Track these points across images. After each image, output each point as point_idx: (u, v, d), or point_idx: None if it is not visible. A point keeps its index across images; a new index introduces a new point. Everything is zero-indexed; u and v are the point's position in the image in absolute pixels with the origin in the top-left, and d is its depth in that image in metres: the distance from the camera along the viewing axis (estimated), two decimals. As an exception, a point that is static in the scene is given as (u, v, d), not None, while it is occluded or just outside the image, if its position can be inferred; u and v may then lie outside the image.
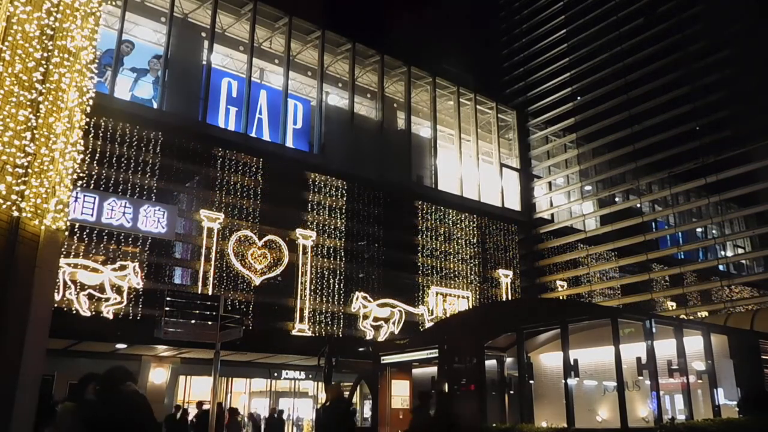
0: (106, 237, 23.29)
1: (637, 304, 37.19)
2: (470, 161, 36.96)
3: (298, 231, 28.60)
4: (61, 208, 6.70)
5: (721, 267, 38.73)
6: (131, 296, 23.21)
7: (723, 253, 39.96)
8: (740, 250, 44.02)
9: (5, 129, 5.91)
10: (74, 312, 21.55)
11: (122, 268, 22.99)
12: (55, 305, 15.90)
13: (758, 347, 16.16)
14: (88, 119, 7.37)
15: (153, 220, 24.15)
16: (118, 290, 22.73)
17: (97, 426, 4.92)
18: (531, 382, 16.27)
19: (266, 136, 29.36)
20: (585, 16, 38.66)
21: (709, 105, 31.97)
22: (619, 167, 37.06)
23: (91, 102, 7.35)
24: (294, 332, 27.23)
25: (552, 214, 40.37)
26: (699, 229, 40.63)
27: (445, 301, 32.70)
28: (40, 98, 6.32)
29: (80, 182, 22.05)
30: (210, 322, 17.19)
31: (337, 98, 33.93)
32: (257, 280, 26.75)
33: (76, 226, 21.91)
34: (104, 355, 21.49)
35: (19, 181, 6.03)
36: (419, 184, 34.51)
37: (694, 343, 14.90)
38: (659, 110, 34.13)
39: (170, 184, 25.80)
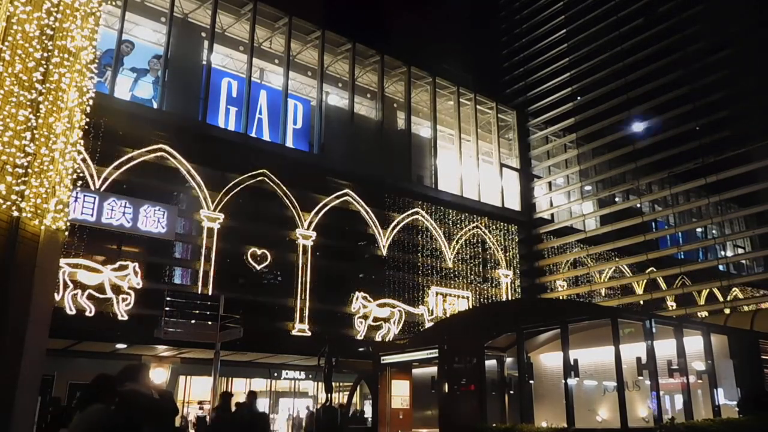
0: (106, 237, 23.28)
1: (637, 304, 37.22)
2: (470, 161, 36.95)
3: (298, 231, 28.60)
4: (61, 208, 6.70)
5: (721, 267, 38.73)
6: (130, 296, 23.16)
7: (723, 253, 39.96)
8: (740, 250, 44.04)
9: (5, 129, 5.91)
10: (74, 312, 21.54)
11: (122, 268, 22.98)
12: (55, 305, 15.90)
13: (758, 347, 16.16)
14: (88, 119, 7.36)
15: (153, 220, 24.13)
16: (118, 290, 22.71)
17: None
18: (531, 382, 16.27)
19: (266, 136, 29.36)
20: (585, 16, 38.63)
21: (709, 105, 31.96)
22: (619, 167, 37.05)
23: (91, 102, 7.35)
24: (294, 332, 27.22)
25: (552, 214, 40.36)
26: (699, 229, 40.64)
27: (445, 301, 32.69)
28: (40, 98, 6.32)
29: (80, 182, 22.07)
30: (210, 322, 17.23)
31: (337, 98, 33.93)
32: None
33: (76, 226, 21.89)
34: (104, 355, 21.50)
35: (19, 181, 6.03)
36: (419, 184, 34.51)
37: (694, 343, 14.91)
38: (659, 110, 34.12)
39: (170, 184, 25.79)
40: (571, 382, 14.29)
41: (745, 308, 34.54)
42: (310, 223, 29.12)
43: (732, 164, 31.50)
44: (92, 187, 23.25)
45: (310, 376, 27.25)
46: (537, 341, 17.67)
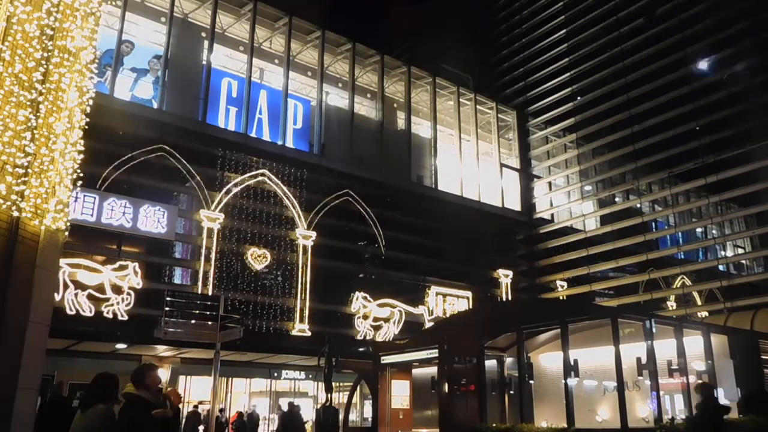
0: (106, 237, 23.28)
1: (637, 304, 37.18)
2: (470, 161, 36.95)
3: (298, 231, 28.60)
4: (61, 208, 6.69)
5: (721, 267, 38.71)
6: (131, 296, 23.16)
7: (723, 253, 39.94)
8: (740, 250, 44.02)
9: (5, 129, 5.91)
10: (74, 312, 21.53)
11: (122, 268, 22.97)
12: (55, 305, 15.91)
13: (758, 347, 16.18)
14: (88, 119, 7.35)
15: (153, 220, 24.14)
16: (118, 290, 22.70)
17: None
18: (531, 382, 16.28)
19: (266, 136, 29.35)
20: (585, 16, 38.62)
21: (709, 105, 31.97)
22: (619, 167, 37.05)
23: (91, 102, 7.34)
24: (294, 332, 27.23)
25: (552, 214, 40.35)
26: (699, 229, 40.61)
27: (445, 301, 32.69)
28: (40, 98, 6.31)
29: (80, 182, 22.06)
30: (210, 322, 17.21)
31: (337, 98, 33.92)
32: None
33: (76, 226, 21.88)
34: (104, 355, 21.51)
35: (19, 181, 6.03)
36: (419, 184, 34.50)
37: (694, 343, 14.92)
38: (659, 110, 34.11)
39: (170, 184, 25.79)
40: (571, 382, 14.30)
41: (743, 309, 34.49)
42: (311, 223, 29.13)
43: (732, 164, 31.49)
44: (92, 188, 23.23)
45: (310, 376, 27.25)
46: (537, 341, 17.69)
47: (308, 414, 27.83)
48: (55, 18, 6.55)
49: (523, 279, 37.82)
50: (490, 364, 17.38)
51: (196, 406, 23.27)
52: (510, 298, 35.69)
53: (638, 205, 38.35)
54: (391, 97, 35.79)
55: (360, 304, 29.30)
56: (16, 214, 6.00)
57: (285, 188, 28.79)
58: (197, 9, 29.49)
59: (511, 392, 16.63)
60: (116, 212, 23.30)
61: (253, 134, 28.74)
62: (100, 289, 22.35)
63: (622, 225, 35.85)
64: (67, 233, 6.92)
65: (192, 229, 26.53)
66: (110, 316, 22.43)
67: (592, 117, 37.32)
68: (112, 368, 5.62)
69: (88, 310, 22.00)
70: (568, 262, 38.52)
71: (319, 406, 23.27)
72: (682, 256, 38.47)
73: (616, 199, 39.58)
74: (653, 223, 38.97)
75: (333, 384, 19.73)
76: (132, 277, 22.94)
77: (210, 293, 24.59)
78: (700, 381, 9.67)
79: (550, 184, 41.25)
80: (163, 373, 24.00)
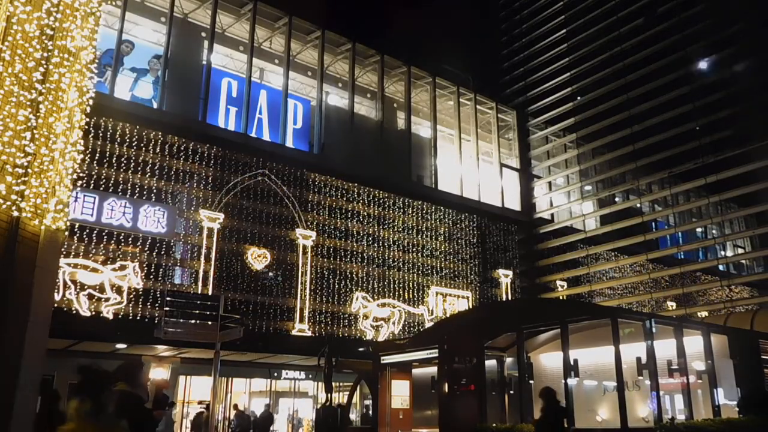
0: (106, 237, 23.28)
1: (637, 304, 37.20)
2: (470, 161, 36.94)
3: (298, 231, 28.60)
4: (61, 208, 6.70)
5: (721, 267, 38.72)
6: (131, 296, 23.19)
7: (723, 253, 39.95)
8: (740, 250, 44.02)
9: (5, 129, 5.91)
10: (74, 312, 21.53)
11: (122, 268, 22.97)
12: (55, 305, 15.89)
13: (758, 347, 16.18)
14: (88, 119, 7.36)
15: (153, 220, 24.14)
16: (118, 290, 22.70)
17: None
18: (531, 382, 16.28)
19: (266, 136, 29.36)
20: (585, 16, 38.63)
21: (709, 105, 31.97)
22: (619, 167, 37.04)
23: (91, 102, 7.35)
24: (294, 332, 27.23)
25: (552, 214, 40.36)
26: (699, 229, 40.62)
27: (445, 301, 32.68)
28: (40, 98, 6.31)
29: (80, 182, 22.07)
30: (210, 322, 17.24)
31: (337, 98, 33.92)
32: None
33: (76, 226, 21.90)
34: (104, 355, 21.49)
35: (19, 181, 6.03)
36: (419, 184, 34.50)
37: (694, 343, 14.92)
38: (659, 110, 34.11)
39: (170, 184, 25.80)
40: (571, 382, 14.30)
41: (743, 309, 34.51)
42: (310, 223, 29.12)
43: (732, 164, 31.49)
44: (92, 187, 23.24)
45: (310, 376, 27.25)
46: (537, 341, 17.69)
47: (309, 414, 27.90)
48: (55, 18, 6.56)
49: (523, 279, 37.82)
50: (490, 364, 17.39)
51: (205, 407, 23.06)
52: (510, 298, 35.68)
53: (638, 205, 38.35)
54: (391, 97, 35.79)
55: (360, 304, 29.31)
56: (16, 214, 6.00)
57: (285, 188, 28.79)
58: (197, 9, 29.49)
59: (511, 392, 16.64)
60: (116, 212, 23.32)
61: (253, 134, 28.74)
62: (101, 289, 22.34)
63: (622, 225, 35.85)
64: (67, 233, 6.92)
65: (192, 229, 26.52)
66: (110, 316, 22.43)
67: (592, 117, 37.32)
68: (112, 368, 5.58)
69: (87, 310, 21.99)
70: (568, 262, 38.54)
71: (318, 405, 23.29)
72: (682, 256, 38.47)
73: (616, 199, 39.57)
74: (653, 223, 38.98)
75: (333, 384, 19.73)
76: (132, 277, 22.94)
77: (210, 293, 24.58)
78: (544, 386, 10.17)
79: (550, 184, 41.25)
80: (163, 373, 24.01)
